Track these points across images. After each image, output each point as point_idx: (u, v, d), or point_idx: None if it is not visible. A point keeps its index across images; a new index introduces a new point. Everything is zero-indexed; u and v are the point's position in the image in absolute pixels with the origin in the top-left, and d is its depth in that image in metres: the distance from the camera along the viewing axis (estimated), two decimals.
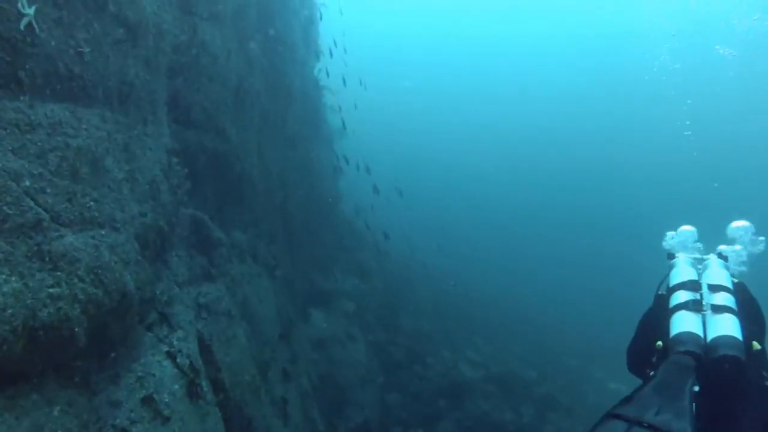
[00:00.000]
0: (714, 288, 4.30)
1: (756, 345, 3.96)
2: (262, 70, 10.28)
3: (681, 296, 4.33)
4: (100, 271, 4.47)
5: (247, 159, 9.33)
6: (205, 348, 6.80)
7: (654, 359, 4.25)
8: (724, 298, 4.17)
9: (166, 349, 5.64)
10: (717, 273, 4.48)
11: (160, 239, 5.96)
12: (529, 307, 26.68)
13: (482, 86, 60.10)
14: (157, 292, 5.88)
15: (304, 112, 14.68)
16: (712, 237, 5.28)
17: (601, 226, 43.86)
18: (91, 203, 4.64)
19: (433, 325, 20.39)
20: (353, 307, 17.67)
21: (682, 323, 4.11)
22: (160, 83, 6.53)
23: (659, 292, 4.71)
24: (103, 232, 4.71)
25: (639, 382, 4.21)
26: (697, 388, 3.59)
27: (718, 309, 4.09)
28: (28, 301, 3.65)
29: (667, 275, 4.72)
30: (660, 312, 4.46)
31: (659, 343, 4.19)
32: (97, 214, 4.68)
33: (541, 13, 56.51)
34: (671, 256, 4.96)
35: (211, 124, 7.97)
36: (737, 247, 5.04)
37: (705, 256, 4.81)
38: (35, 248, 3.87)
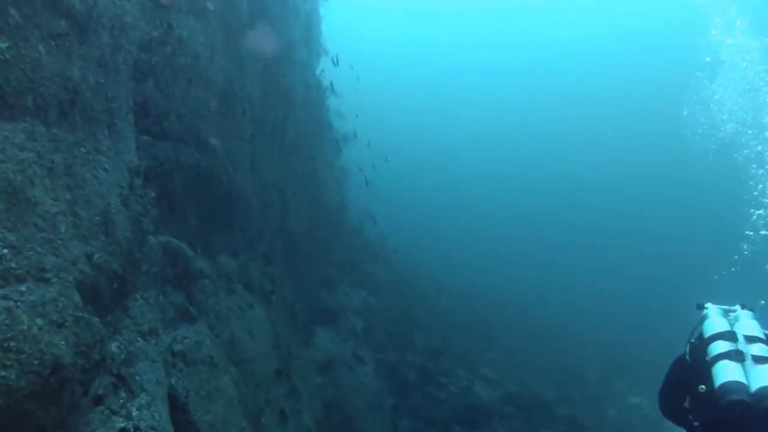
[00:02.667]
0: (751, 339, 4.45)
1: None
2: (256, 71, 9.09)
3: (720, 346, 4.45)
4: (12, 344, 3.32)
5: (236, 173, 8.14)
6: (179, 408, 5.64)
7: (688, 404, 4.73)
8: (762, 349, 4.34)
9: (121, 424, 4.47)
10: (750, 324, 4.63)
11: (116, 283, 4.79)
12: (545, 318, 25.75)
13: (507, 88, 59.25)
14: (113, 350, 4.71)
15: (307, 117, 13.48)
16: None
17: (617, 235, 42.70)
18: (4, 251, 3.47)
19: (447, 339, 19.30)
20: (361, 324, 16.54)
21: (728, 372, 4.26)
22: (121, 88, 5.36)
23: (691, 340, 4.88)
24: (22, 288, 3.55)
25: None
26: None
27: (759, 360, 4.25)
28: None
29: (699, 325, 4.89)
30: (697, 361, 4.64)
31: (702, 387, 4.36)
32: (13, 265, 3.51)
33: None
34: (701, 306, 5.08)
35: (190, 134, 6.78)
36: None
37: (732, 307, 4.94)
38: None
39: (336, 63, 16.81)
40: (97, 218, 4.57)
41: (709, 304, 5.04)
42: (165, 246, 6.17)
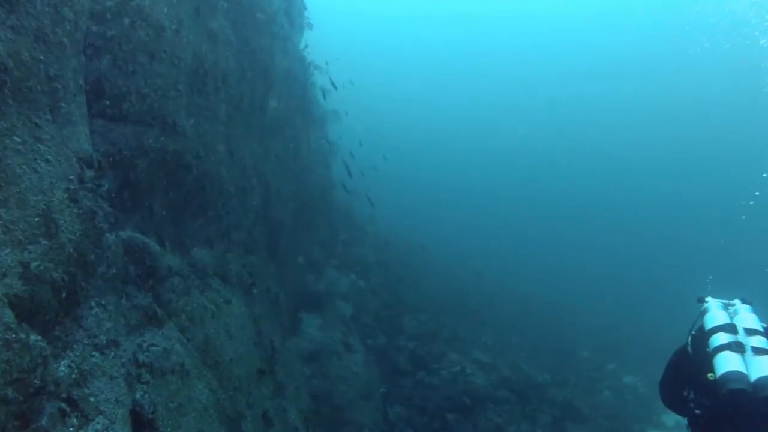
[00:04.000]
0: (750, 331, 4.64)
1: None
2: (231, 45, 8.33)
3: (721, 338, 4.64)
4: None
5: (210, 157, 7.44)
6: (145, 425, 5.02)
7: (688, 394, 4.98)
8: (761, 341, 4.54)
9: None
10: (749, 317, 4.80)
11: (64, 292, 4.12)
12: (535, 297, 25.64)
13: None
14: (61, 371, 4.05)
15: (289, 94, 12.72)
16: None
17: (607, 215, 42.54)
18: None
19: (437, 321, 18.85)
20: (350, 309, 16.00)
21: (728, 363, 4.45)
22: (66, 66, 4.64)
23: (692, 333, 5.06)
24: None
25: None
26: None
27: (759, 351, 4.46)
28: None
29: (700, 318, 5.06)
30: (698, 352, 4.85)
31: (711, 375, 4.51)
32: None
33: None
34: (701, 300, 5.23)
35: (155, 116, 6.06)
36: None
37: (732, 301, 5.09)
38: None
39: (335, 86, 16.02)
40: (36, 219, 3.89)
41: (709, 298, 5.21)
42: (127, 243, 5.49)
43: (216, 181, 7.71)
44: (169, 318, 5.93)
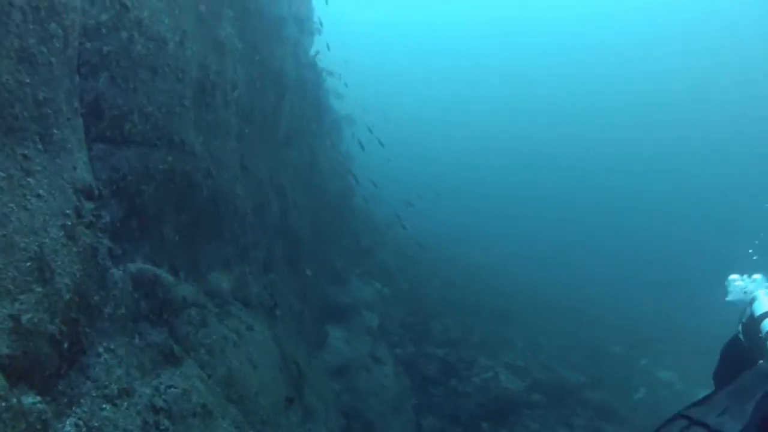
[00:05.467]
0: None
1: None
2: (238, 54, 7.86)
3: None
4: None
5: (222, 174, 6.97)
6: None
7: None
8: None
9: None
10: None
11: (66, 341, 3.67)
12: (560, 294, 25.19)
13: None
14: None
15: (302, 101, 12.24)
16: None
17: (631, 213, 41.98)
18: None
19: (464, 325, 18.35)
20: (376, 320, 15.51)
21: None
22: (58, 87, 4.19)
23: (743, 321, 5.04)
24: None
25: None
26: None
27: None
28: None
29: (748, 306, 5.02)
30: (750, 339, 4.84)
31: (762, 362, 4.44)
32: None
33: None
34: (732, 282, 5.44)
35: (160, 136, 5.60)
36: None
37: None
38: None
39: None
40: (27, 264, 3.43)
41: (735, 276, 5.48)
42: (136, 276, 5.03)
43: (230, 200, 7.24)
44: (188, 354, 5.47)
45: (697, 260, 30.63)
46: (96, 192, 4.54)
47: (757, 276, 5.57)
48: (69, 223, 3.96)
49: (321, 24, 15.50)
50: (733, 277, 5.79)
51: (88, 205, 4.25)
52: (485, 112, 55.41)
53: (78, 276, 3.92)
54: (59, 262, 3.76)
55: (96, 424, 3.89)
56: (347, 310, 14.69)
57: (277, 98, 10.17)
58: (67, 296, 3.72)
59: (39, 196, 3.74)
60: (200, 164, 6.40)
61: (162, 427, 4.70)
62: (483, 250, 28.18)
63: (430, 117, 53.41)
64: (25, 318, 3.29)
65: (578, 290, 25.77)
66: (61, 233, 3.85)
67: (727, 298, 5.85)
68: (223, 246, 7.11)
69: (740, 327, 5.08)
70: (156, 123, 5.53)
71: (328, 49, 15.55)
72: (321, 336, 12.53)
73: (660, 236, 37.43)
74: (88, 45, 4.82)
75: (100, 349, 4.23)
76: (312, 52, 14.85)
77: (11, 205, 3.46)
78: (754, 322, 4.84)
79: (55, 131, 4.09)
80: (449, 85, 59.14)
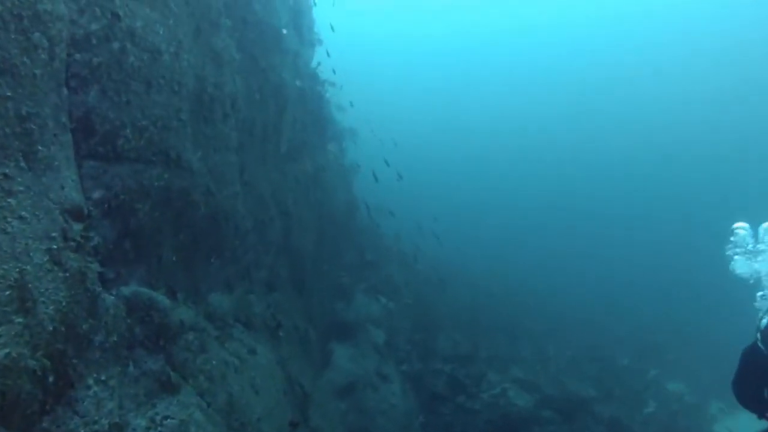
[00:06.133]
0: None
1: None
2: (237, 66, 7.60)
3: None
4: None
5: (222, 191, 6.69)
6: None
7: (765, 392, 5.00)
8: None
9: None
10: None
11: (51, 376, 3.37)
12: (570, 302, 24.80)
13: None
14: None
15: (304, 113, 11.97)
16: None
17: (640, 216, 41.72)
18: None
19: (471, 339, 18.03)
20: (383, 336, 15.18)
21: None
22: (44, 101, 3.92)
23: (761, 329, 4.94)
24: None
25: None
26: None
27: None
28: None
29: (765, 314, 4.98)
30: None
31: None
32: None
33: None
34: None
35: (155, 151, 5.32)
36: None
37: None
38: None
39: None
40: (7, 293, 3.14)
41: (740, 224, 5.49)
42: (130, 301, 4.74)
43: (231, 217, 6.95)
44: (186, 381, 5.16)
45: (702, 266, 30.42)
46: (86, 212, 4.25)
47: (766, 224, 5.57)
48: (55, 247, 3.68)
49: (332, 29, 15.35)
50: (738, 225, 5.80)
51: (77, 227, 3.97)
52: (487, 122, 55.36)
53: (64, 304, 3.62)
54: (42, 290, 3.47)
55: None
56: (353, 326, 14.36)
57: (278, 111, 9.90)
58: (51, 327, 3.43)
59: (21, 218, 3.45)
60: (198, 181, 6.12)
61: None
62: (489, 260, 27.92)
63: (433, 125, 53.36)
64: (2, 354, 3.00)
65: (584, 297, 25.48)
66: (46, 258, 3.56)
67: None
68: (223, 266, 6.82)
69: (758, 335, 5.02)
70: (151, 138, 5.26)
71: (328, 56, 15.33)
72: (326, 354, 12.22)
73: (663, 243, 37.14)
74: (78, 56, 4.56)
75: (90, 381, 3.93)
76: (313, 63, 14.62)
77: None
78: None
79: (40, 148, 3.82)
80: (451, 98, 59.19)
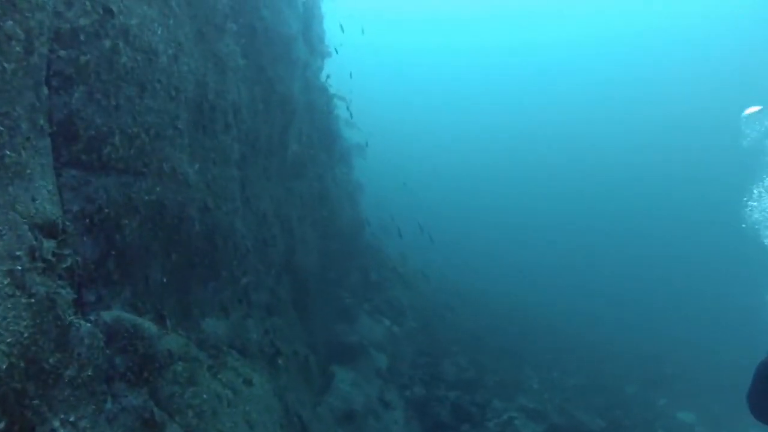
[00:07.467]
0: None
1: None
2: (242, 73, 7.13)
3: None
4: None
5: (221, 207, 6.18)
6: None
7: None
8: None
9: None
10: None
11: (2, 423, 2.85)
12: (577, 325, 24.54)
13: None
14: None
15: (311, 127, 11.49)
16: None
17: (640, 242, 41.28)
18: None
19: (476, 364, 17.55)
20: (386, 360, 14.62)
21: None
22: (16, 100, 3.43)
23: None
24: None
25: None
26: None
27: None
28: None
29: None
30: None
31: None
32: None
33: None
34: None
35: (147, 162, 4.82)
36: None
37: None
38: None
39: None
40: None
41: (753, 108, 5.70)
42: (111, 328, 4.21)
43: (229, 236, 6.44)
44: (172, 418, 4.62)
45: (712, 294, 30.06)
46: (61, 227, 3.74)
47: None
48: (18, 268, 3.16)
49: (342, 29, 15.01)
50: (749, 110, 5.59)
51: (48, 245, 3.46)
52: (488, 137, 55.33)
53: (26, 335, 3.10)
54: (8, 316, 2.96)
55: None
56: (355, 350, 13.83)
57: (284, 123, 9.43)
58: (6, 363, 2.90)
59: None
60: (195, 195, 5.61)
61: None
62: (493, 281, 27.54)
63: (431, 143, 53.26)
64: None
65: (591, 320, 25.10)
66: (6, 281, 3.05)
67: None
68: (219, 288, 6.29)
69: None
70: (142, 147, 4.76)
71: (351, 77, 14.97)
72: (327, 377, 11.67)
73: (673, 267, 36.72)
74: (62, 53, 4.08)
75: (56, 423, 3.39)
76: (323, 75, 14.19)
77: None
78: None
79: (8, 153, 3.32)
80: (453, 111, 59.30)
